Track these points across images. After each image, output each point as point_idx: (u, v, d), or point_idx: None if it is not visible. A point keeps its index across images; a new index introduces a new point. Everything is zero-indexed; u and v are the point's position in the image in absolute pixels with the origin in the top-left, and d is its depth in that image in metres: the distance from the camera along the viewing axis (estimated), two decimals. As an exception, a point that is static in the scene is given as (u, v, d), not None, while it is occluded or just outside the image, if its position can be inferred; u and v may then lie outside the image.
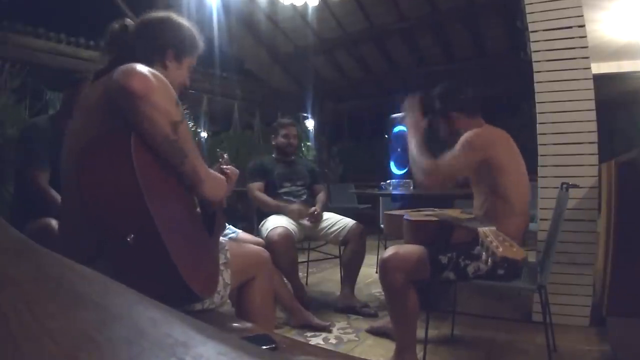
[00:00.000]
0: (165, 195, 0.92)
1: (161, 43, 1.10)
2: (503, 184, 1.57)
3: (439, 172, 1.60)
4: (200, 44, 1.19)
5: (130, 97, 0.85)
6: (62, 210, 1.06)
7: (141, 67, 0.90)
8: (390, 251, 1.58)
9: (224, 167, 1.30)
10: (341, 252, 2.56)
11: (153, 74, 0.91)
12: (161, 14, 1.14)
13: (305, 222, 2.49)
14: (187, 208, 1.03)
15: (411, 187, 2.99)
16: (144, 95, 0.86)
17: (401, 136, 3.95)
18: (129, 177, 0.79)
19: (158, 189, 0.88)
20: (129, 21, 1.13)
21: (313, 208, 2.54)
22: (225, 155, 1.49)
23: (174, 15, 1.14)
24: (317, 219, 2.52)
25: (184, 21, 1.16)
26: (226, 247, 1.19)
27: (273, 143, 2.79)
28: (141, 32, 1.10)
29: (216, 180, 1.08)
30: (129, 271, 0.81)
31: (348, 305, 2.38)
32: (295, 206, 2.48)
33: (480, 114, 1.73)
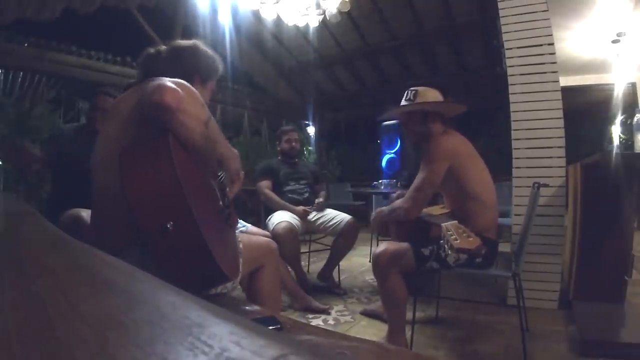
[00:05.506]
0: (198, 190, 0.92)
1: (189, 69, 1.12)
2: (471, 184, 1.55)
3: (417, 192, 1.56)
4: (221, 68, 1.21)
5: (165, 111, 0.87)
6: (95, 208, 1.03)
7: (169, 82, 0.91)
8: (381, 247, 1.59)
9: None
10: (335, 240, 2.56)
11: (179, 84, 0.92)
12: (189, 42, 1.16)
13: (312, 213, 2.55)
14: (214, 201, 1.04)
15: (398, 185, 3.00)
16: (176, 108, 0.88)
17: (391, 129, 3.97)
18: (169, 173, 0.80)
19: (193, 184, 0.88)
20: (163, 48, 1.14)
21: (318, 199, 2.61)
22: None
23: (200, 44, 1.16)
24: (320, 208, 2.58)
25: (208, 49, 1.18)
26: (239, 239, 1.19)
27: (278, 148, 2.81)
28: (172, 58, 1.12)
29: (237, 157, 1.14)
30: (170, 257, 0.81)
31: (326, 282, 2.53)
32: (300, 208, 2.50)
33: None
